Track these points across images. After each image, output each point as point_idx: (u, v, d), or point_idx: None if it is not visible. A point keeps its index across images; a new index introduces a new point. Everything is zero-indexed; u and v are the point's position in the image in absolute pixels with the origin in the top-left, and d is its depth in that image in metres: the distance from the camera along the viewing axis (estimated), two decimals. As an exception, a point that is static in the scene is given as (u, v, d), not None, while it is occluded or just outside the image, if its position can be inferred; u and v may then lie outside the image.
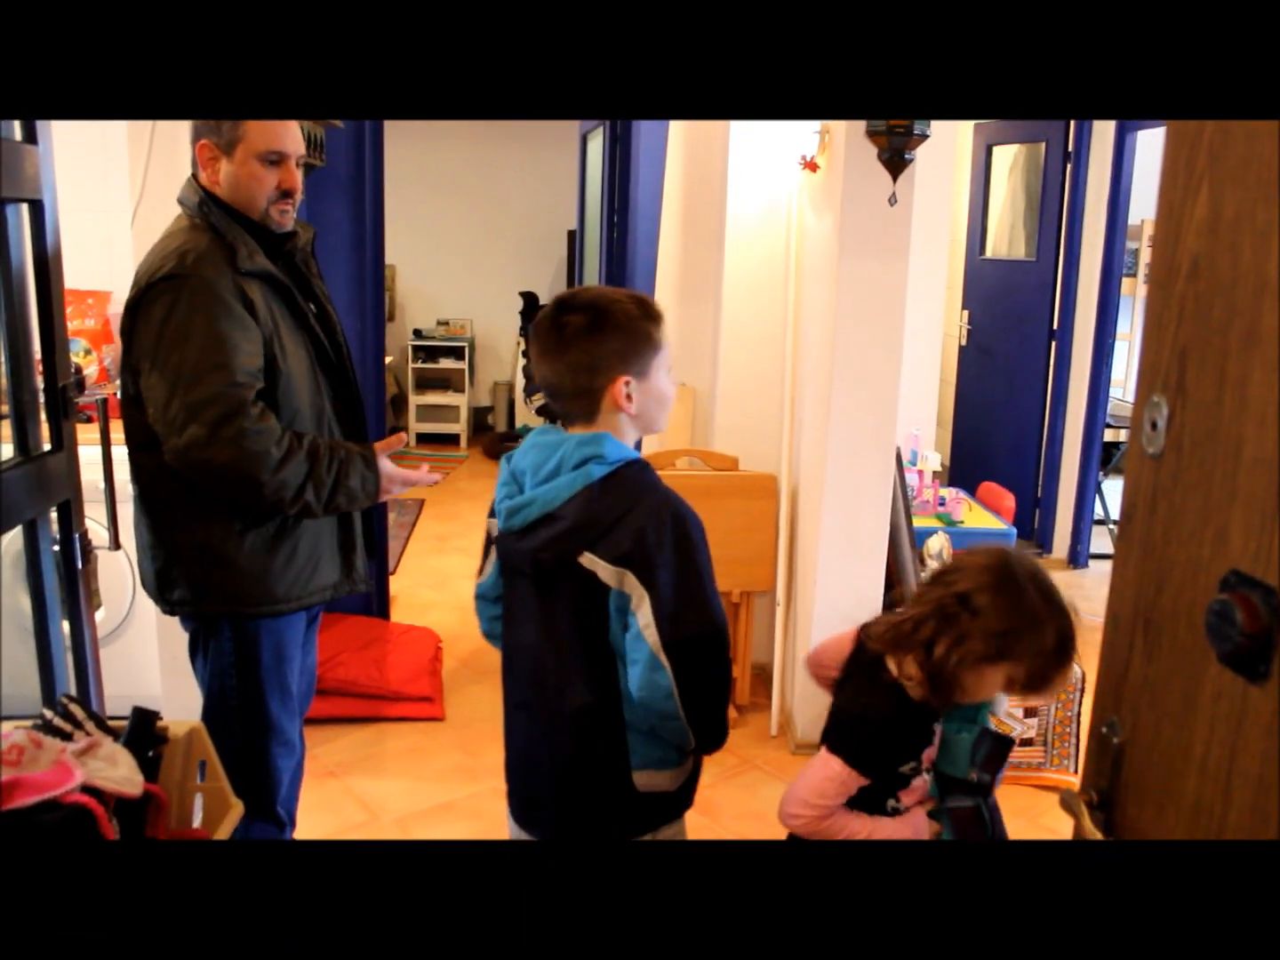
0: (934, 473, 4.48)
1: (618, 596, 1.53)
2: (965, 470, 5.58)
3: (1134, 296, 6.04)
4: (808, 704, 3.46)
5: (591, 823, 1.67)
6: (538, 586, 1.62)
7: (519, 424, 8.09)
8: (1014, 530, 4.23)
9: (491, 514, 1.73)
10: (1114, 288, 5.12)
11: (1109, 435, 5.70)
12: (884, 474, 3.35)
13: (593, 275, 4.56)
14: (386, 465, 2.20)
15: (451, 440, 8.02)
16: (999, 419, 5.64)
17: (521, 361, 7.63)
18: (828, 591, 3.36)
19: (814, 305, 3.45)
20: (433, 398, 8.01)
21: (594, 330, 1.57)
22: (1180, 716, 1.05)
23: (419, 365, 7.96)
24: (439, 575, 5.03)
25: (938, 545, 3.87)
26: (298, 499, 2.04)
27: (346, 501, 2.14)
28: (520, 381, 7.71)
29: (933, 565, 3.79)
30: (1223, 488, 0.96)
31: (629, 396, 1.58)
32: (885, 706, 1.68)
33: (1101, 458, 5.47)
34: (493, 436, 8.09)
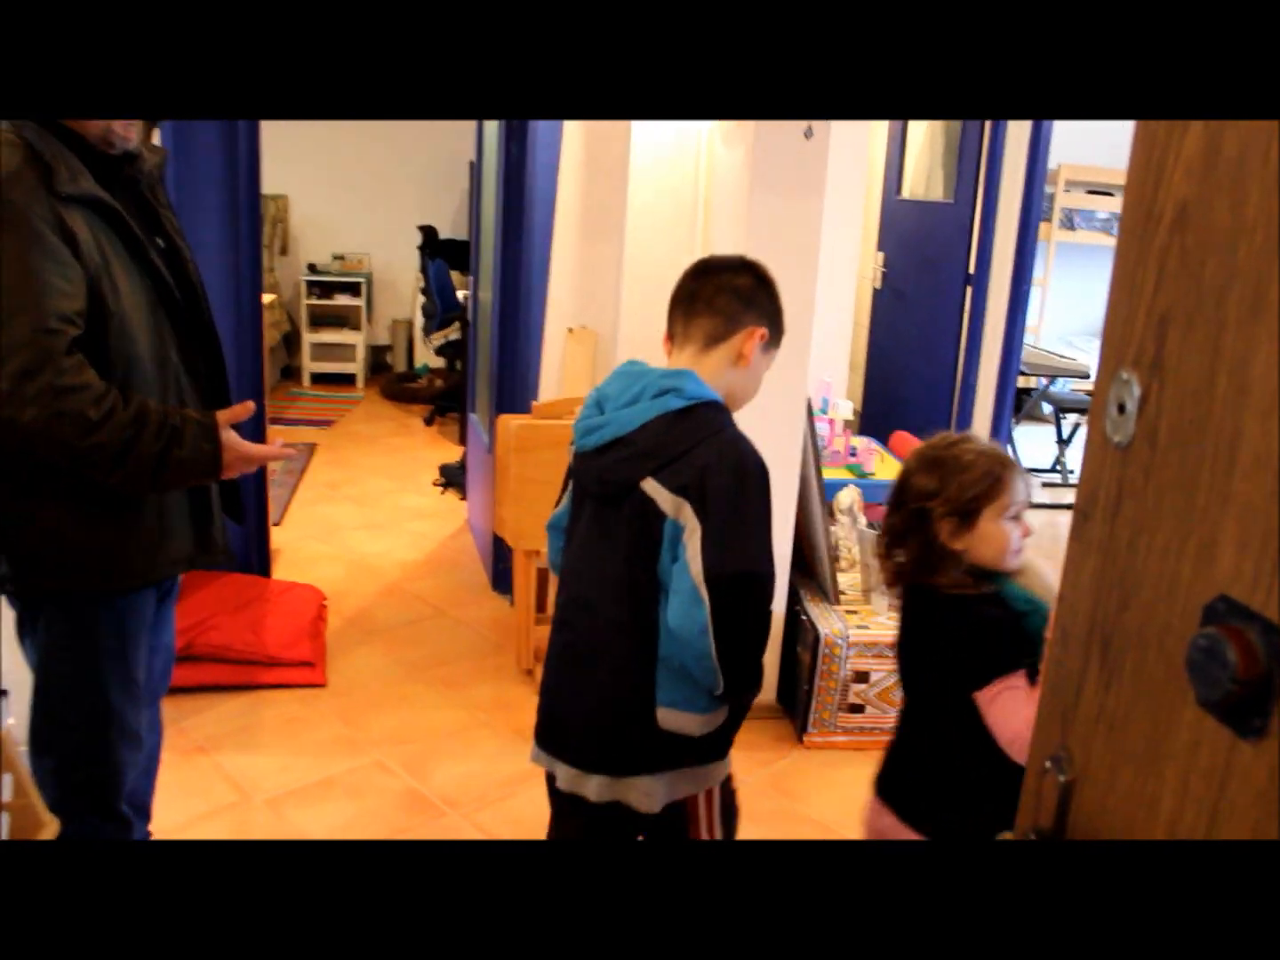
0: (845, 422, 4.33)
1: (672, 526, 1.56)
2: (877, 418, 5.43)
3: (1048, 242, 5.94)
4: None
5: (609, 751, 1.67)
6: (600, 508, 1.65)
7: (418, 363, 7.78)
8: (926, 483, 4.10)
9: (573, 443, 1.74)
10: (1032, 232, 4.97)
11: (1021, 382, 5.61)
12: (794, 424, 3.17)
13: (490, 209, 4.29)
14: (231, 439, 1.89)
15: (347, 380, 7.68)
16: (912, 365, 5.50)
17: (421, 299, 7.29)
18: (734, 550, 3.18)
19: (723, 243, 3.23)
20: (328, 335, 7.65)
21: (759, 286, 1.72)
22: (1145, 761, 0.87)
23: (313, 301, 7.57)
24: (328, 526, 4.75)
25: (848, 499, 3.71)
26: (115, 471, 1.76)
27: (178, 478, 1.86)
28: (420, 320, 7.38)
29: (844, 521, 3.64)
30: (1211, 491, 0.78)
31: (746, 354, 1.69)
32: (972, 614, 1.65)
33: (1014, 405, 5.38)
34: (391, 376, 7.76)
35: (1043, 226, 5.56)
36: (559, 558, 1.84)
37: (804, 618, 3.25)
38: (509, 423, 3.34)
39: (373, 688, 3.32)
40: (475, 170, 4.87)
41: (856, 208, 4.75)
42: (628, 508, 1.60)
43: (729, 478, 1.57)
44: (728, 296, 1.68)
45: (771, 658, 3.34)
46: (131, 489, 1.82)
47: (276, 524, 4.56)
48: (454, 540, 4.68)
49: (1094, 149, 6.67)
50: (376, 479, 5.52)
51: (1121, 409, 0.88)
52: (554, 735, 1.76)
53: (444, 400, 6.84)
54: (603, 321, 3.78)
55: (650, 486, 1.57)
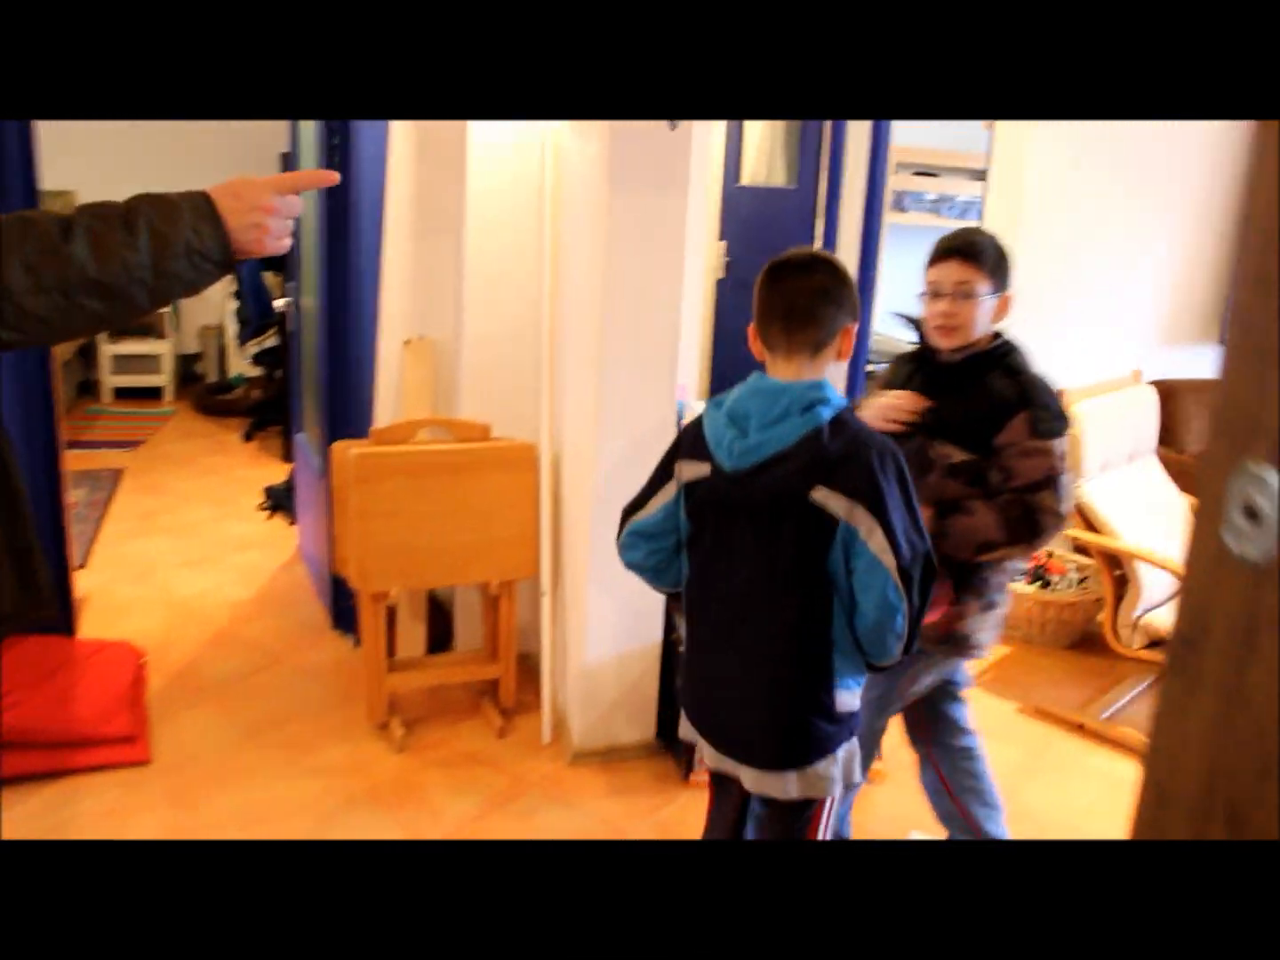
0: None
1: (845, 528, 1.68)
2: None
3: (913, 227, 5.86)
4: (585, 705, 3.03)
5: (796, 745, 1.79)
6: (757, 521, 1.73)
7: (233, 373, 7.23)
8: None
9: (682, 456, 1.85)
10: (876, 216, 4.85)
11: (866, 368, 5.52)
12: (665, 434, 2.91)
13: (310, 205, 3.89)
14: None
15: (154, 394, 7.07)
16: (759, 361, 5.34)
17: (233, 304, 6.76)
18: (603, 575, 2.92)
19: (578, 243, 2.96)
20: (130, 346, 7.03)
21: (842, 282, 1.76)
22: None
23: (110, 309, 6.93)
24: (141, 565, 4.27)
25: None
26: None
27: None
28: (233, 326, 6.84)
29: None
30: None
31: (846, 350, 1.78)
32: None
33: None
34: (203, 388, 7.19)
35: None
36: (651, 560, 1.95)
37: (683, 648, 3.01)
38: (346, 451, 2.99)
39: (206, 759, 2.93)
40: (290, 163, 4.44)
41: (699, 196, 4.53)
42: (794, 516, 1.70)
43: (891, 473, 1.69)
44: (821, 304, 1.74)
45: (648, 691, 3.10)
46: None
47: (80, 566, 4.08)
48: (286, 573, 4.27)
49: (920, 130, 6.64)
50: (194, 506, 5.04)
51: (1252, 514, 0.66)
52: (735, 744, 1.86)
53: (263, 412, 6.35)
54: (443, 331, 3.45)
55: (821, 495, 1.68)
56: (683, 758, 2.99)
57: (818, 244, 5.02)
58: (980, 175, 7.04)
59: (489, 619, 3.27)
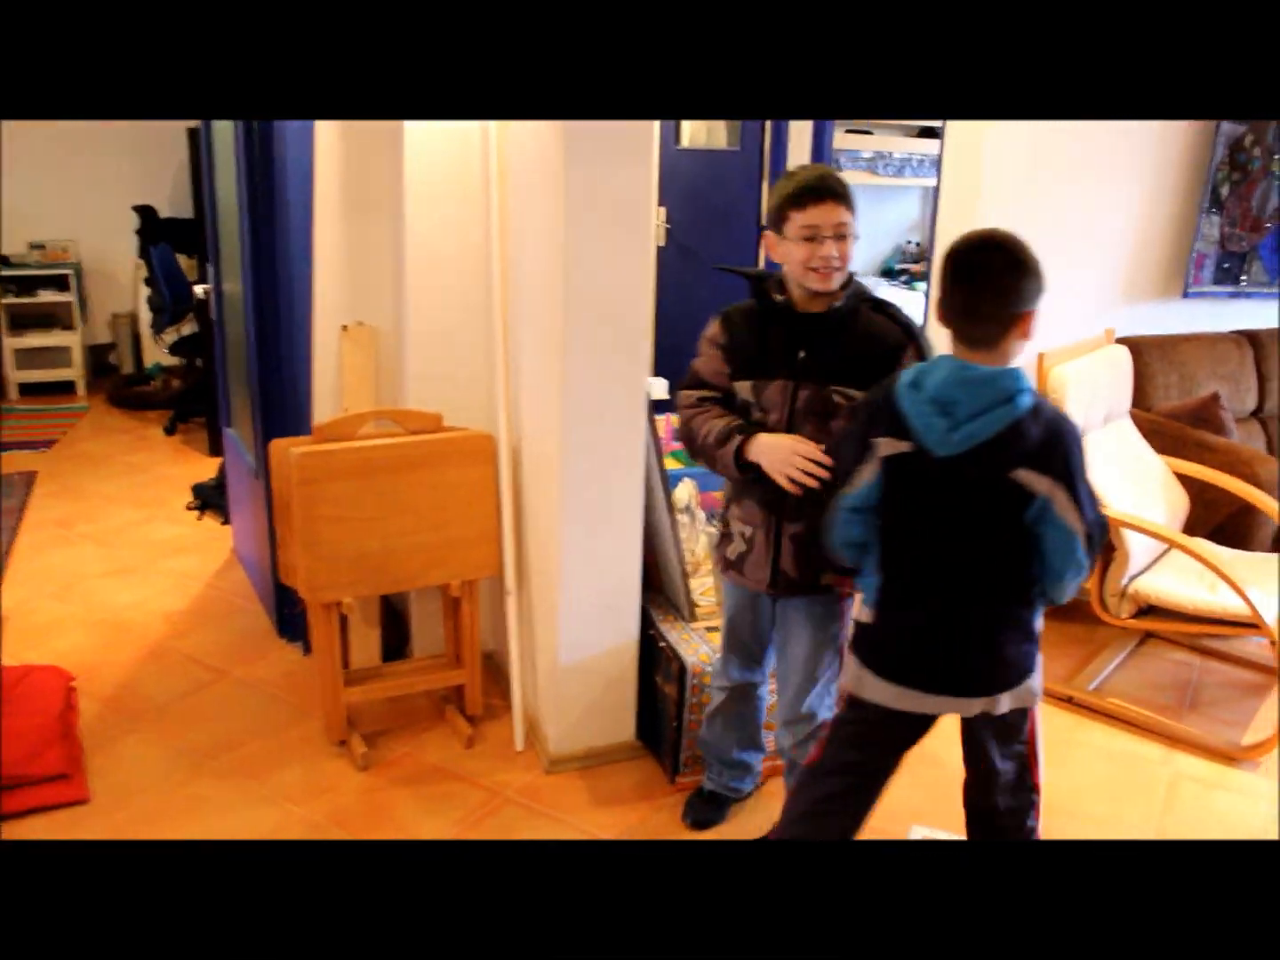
0: (655, 402, 3.92)
1: (1044, 501, 1.86)
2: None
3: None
4: (559, 708, 2.84)
5: (1011, 670, 2.02)
6: (963, 493, 1.90)
7: (149, 363, 6.87)
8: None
9: (878, 434, 1.93)
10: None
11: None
12: (636, 422, 2.73)
13: (228, 183, 3.61)
14: None
15: (65, 389, 6.70)
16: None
17: (145, 291, 6.40)
18: (576, 571, 2.73)
19: (531, 218, 2.73)
20: (35, 339, 6.64)
21: (1021, 264, 1.83)
22: None
23: (12, 300, 6.53)
24: (64, 577, 3.98)
25: (685, 495, 3.31)
26: None
27: None
28: (146, 313, 6.48)
29: (683, 521, 3.23)
30: None
31: (1030, 330, 1.86)
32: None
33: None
34: (118, 380, 6.82)
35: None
36: (864, 535, 2.02)
37: (662, 644, 2.83)
38: (287, 450, 2.75)
39: (151, 793, 2.69)
40: (201, 138, 4.14)
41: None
42: (1000, 491, 1.87)
43: (1078, 455, 1.88)
44: (1005, 296, 1.82)
45: (626, 691, 2.91)
46: None
47: (-2, 583, 3.78)
48: (223, 578, 4.01)
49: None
50: (118, 509, 4.73)
51: None
52: (952, 680, 2.02)
53: (185, 404, 6.03)
54: (384, 316, 3.21)
55: (1025, 475, 1.85)
56: (667, 759, 2.82)
57: (763, 205, 4.84)
58: (920, 132, 6.94)
59: (450, 622, 3.05)
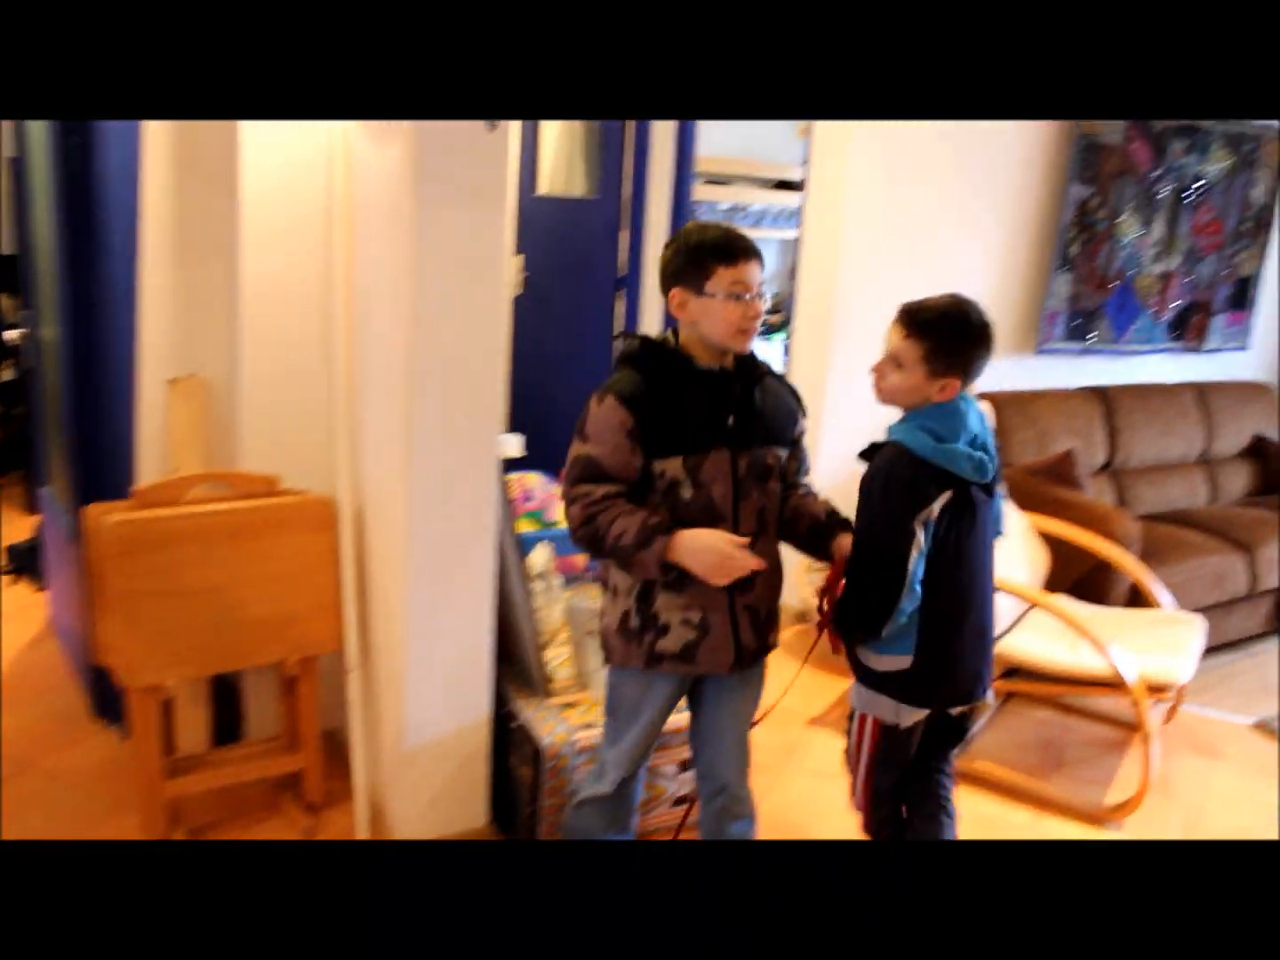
0: (509, 461, 3.75)
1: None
2: (535, 448, 4.87)
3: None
4: (406, 792, 2.63)
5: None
6: (982, 512, 2.14)
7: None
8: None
9: (927, 497, 2.05)
10: (676, 227, 4.61)
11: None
12: (487, 484, 2.56)
13: (43, 222, 3.33)
14: None
15: None
16: (563, 381, 4.98)
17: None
18: (423, 645, 2.54)
19: (378, 264, 2.55)
20: None
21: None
22: None
23: None
24: None
25: (541, 560, 3.15)
26: None
27: None
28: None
29: (538, 588, 3.06)
30: None
31: None
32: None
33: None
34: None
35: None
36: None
37: (516, 724, 2.65)
38: (102, 517, 2.48)
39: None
40: (16, 169, 3.83)
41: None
42: (993, 506, 2.19)
43: None
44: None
45: (478, 773, 2.72)
46: None
47: None
48: (36, 650, 3.66)
49: (708, 138, 6.48)
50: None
51: None
52: (974, 686, 2.23)
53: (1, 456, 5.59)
54: (214, 367, 2.96)
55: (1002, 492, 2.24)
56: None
57: (622, 256, 4.74)
58: (778, 185, 6.98)
59: (287, 702, 2.81)
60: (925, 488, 2.04)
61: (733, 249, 1.99)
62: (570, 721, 2.63)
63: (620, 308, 4.81)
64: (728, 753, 2.26)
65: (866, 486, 2.09)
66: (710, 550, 1.96)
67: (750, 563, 1.98)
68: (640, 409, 2.00)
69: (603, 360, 4.85)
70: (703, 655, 2.10)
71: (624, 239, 4.68)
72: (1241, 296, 5.29)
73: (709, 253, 1.99)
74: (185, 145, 2.80)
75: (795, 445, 2.22)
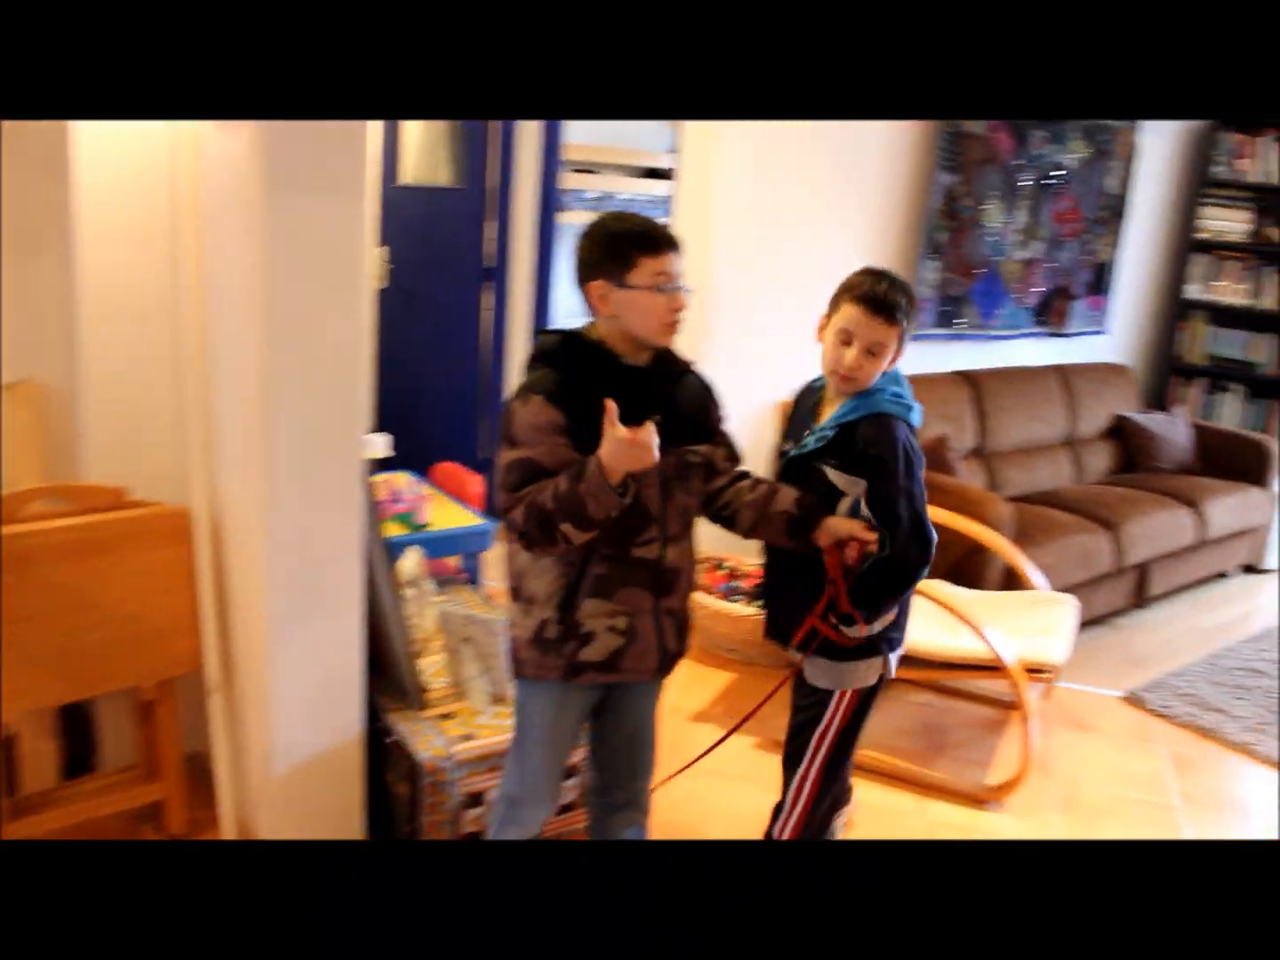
0: (376, 462, 3.61)
1: None
2: (404, 447, 4.71)
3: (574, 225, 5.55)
4: (277, 816, 2.49)
5: None
6: None
7: None
8: (489, 524, 3.49)
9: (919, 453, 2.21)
10: (552, 217, 4.53)
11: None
12: (352, 487, 2.43)
13: None
14: None
15: None
16: (431, 376, 4.86)
17: None
18: (289, 660, 2.40)
19: (229, 260, 2.40)
20: None
21: None
22: None
23: None
24: None
25: (410, 567, 3.03)
26: None
27: None
28: None
29: (409, 594, 2.94)
30: None
31: None
32: None
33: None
34: None
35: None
36: None
37: (391, 739, 2.53)
38: (-74, 539, 2.28)
39: None
40: None
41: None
42: None
43: None
44: None
45: (353, 793, 2.59)
46: None
47: None
48: None
49: (575, 126, 6.40)
50: None
51: None
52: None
53: None
54: (51, 370, 2.75)
55: None
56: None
57: (489, 247, 4.62)
58: (646, 173, 6.92)
59: (144, 728, 2.64)
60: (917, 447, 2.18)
61: (656, 238, 1.92)
62: (448, 734, 2.52)
63: (489, 299, 4.69)
64: (640, 760, 2.23)
65: (887, 463, 2.11)
66: (619, 443, 1.82)
67: (647, 437, 1.85)
68: (569, 407, 1.89)
69: (470, 353, 4.73)
70: (628, 662, 2.03)
71: (490, 229, 4.57)
72: (1100, 281, 5.43)
73: (631, 243, 1.91)
74: (6, 129, 2.59)
75: (717, 434, 2.17)
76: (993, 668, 3.14)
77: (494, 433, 4.70)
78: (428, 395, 4.88)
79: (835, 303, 2.20)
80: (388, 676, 2.70)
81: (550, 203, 4.53)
